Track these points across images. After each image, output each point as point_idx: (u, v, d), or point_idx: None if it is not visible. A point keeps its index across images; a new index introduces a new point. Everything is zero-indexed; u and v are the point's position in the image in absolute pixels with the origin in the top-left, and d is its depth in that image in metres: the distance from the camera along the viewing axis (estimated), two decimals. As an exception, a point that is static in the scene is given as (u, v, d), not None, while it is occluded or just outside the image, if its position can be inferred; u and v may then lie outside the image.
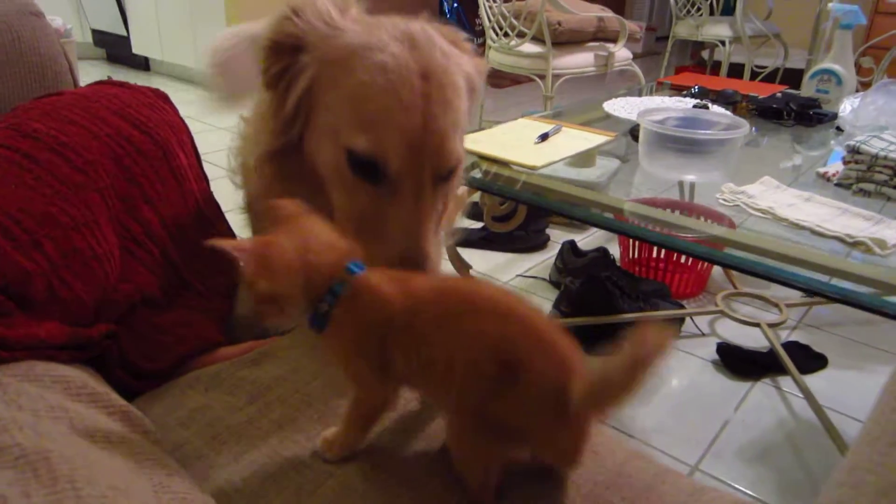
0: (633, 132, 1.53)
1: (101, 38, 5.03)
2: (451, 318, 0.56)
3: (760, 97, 1.79)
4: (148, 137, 0.95)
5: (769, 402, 1.56)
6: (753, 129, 1.69)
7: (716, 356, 1.71)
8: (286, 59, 0.71)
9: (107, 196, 0.85)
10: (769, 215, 1.13)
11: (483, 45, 2.95)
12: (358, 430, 0.63)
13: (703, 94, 1.85)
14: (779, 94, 1.81)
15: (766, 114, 1.70)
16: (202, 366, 0.80)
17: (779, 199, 1.18)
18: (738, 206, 1.18)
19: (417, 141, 0.66)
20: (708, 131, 1.30)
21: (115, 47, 4.93)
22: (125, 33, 4.74)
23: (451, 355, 0.54)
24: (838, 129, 1.69)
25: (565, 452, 0.58)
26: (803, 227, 1.08)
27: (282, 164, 0.78)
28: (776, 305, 1.81)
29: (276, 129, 0.75)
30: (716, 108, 1.67)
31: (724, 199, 1.21)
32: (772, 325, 1.69)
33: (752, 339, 1.76)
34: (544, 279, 2.08)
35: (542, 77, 2.64)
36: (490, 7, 2.76)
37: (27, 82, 1.11)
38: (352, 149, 0.67)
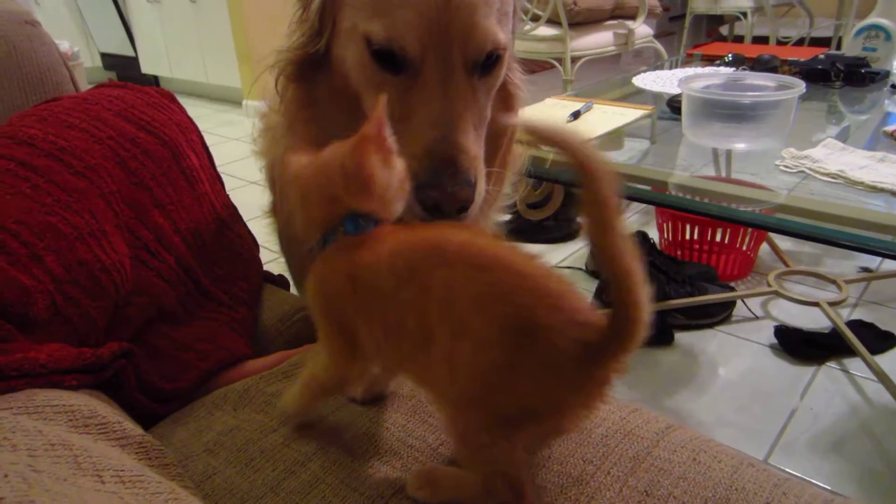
0: (672, 103, 1.43)
1: (110, 61, 5.03)
2: (418, 273, 0.45)
3: (802, 60, 1.67)
4: (155, 138, 0.88)
5: (838, 388, 1.44)
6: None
7: (773, 340, 1.59)
8: None
9: (113, 202, 0.78)
10: (841, 179, 1.02)
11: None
12: (308, 398, 0.56)
13: (738, 61, 1.74)
14: (821, 56, 1.69)
15: (812, 76, 1.58)
16: (228, 382, 0.73)
17: (849, 161, 1.07)
18: (802, 171, 1.08)
19: (439, 19, 0.57)
20: (760, 93, 1.19)
21: (124, 69, 4.92)
22: (133, 54, 4.73)
23: (426, 320, 0.44)
24: (893, 86, 1.57)
25: (579, 421, 0.46)
26: (882, 190, 0.96)
27: (307, 87, 0.70)
28: (833, 282, 1.69)
29: (301, 42, 0.67)
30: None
31: (786, 166, 1.10)
32: (832, 304, 1.57)
33: (810, 320, 1.64)
34: (580, 269, 1.98)
35: (560, 61, 2.54)
36: (501, -7, 2.66)
37: (26, 93, 1.05)
38: (369, 37, 0.60)
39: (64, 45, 3.36)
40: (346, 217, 0.49)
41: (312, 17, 0.66)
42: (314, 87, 0.69)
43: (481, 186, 0.61)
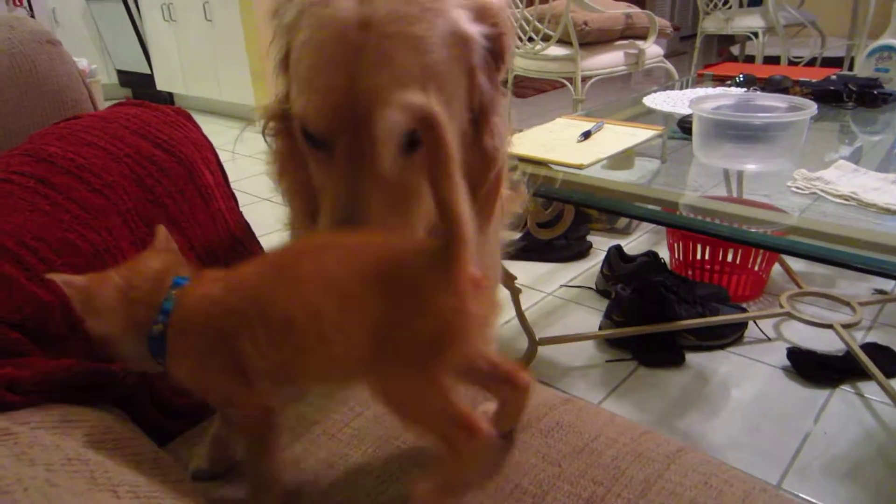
0: (683, 124, 1.43)
1: (126, 77, 5.11)
2: (285, 269, 0.51)
3: (814, 81, 1.68)
4: (171, 156, 0.89)
5: (853, 412, 1.43)
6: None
7: (786, 362, 1.58)
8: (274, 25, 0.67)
9: (129, 219, 0.79)
10: (853, 201, 1.02)
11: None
12: (261, 457, 0.55)
13: (749, 82, 1.74)
14: (833, 77, 1.69)
15: (824, 97, 1.58)
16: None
17: (862, 182, 1.07)
18: (814, 192, 1.07)
19: (345, 103, 0.57)
20: (771, 114, 1.19)
21: (139, 86, 5.00)
22: (149, 71, 4.80)
23: (306, 309, 0.48)
24: (905, 108, 1.57)
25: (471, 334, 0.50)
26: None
27: (293, 141, 0.71)
28: (847, 304, 1.67)
29: (279, 98, 0.70)
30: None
31: (798, 187, 1.10)
32: (846, 326, 1.56)
33: (823, 342, 1.62)
34: (590, 288, 1.97)
35: (570, 80, 2.55)
36: (513, 13, 2.69)
37: (46, 111, 1.07)
38: (294, 113, 0.62)
39: (82, 63, 3.43)
40: (171, 287, 0.53)
41: (281, 79, 0.68)
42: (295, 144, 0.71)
43: None
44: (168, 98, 4.87)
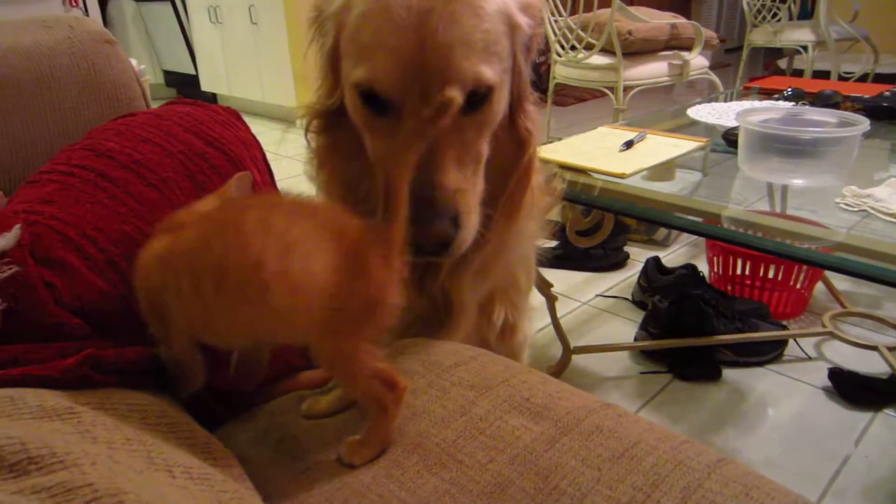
0: (728, 136, 1.42)
1: (172, 78, 5.24)
2: (227, 222, 0.55)
3: (866, 97, 1.64)
4: (221, 154, 0.91)
5: (895, 437, 1.39)
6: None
7: (827, 382, 1.54)
8: (315, 26, 0.72)
9: (181, 213, 0.81)
10: (905, 219, 1.00)
11: (545, 63, 2.88)
12: None
13: (798, 96, 1.71)
14: (887, 93, 1.66)
15: (876, 114, 1.54)
16: (284, 392, 0.75)
17: (914, 200, 1.05)
18: (864, 210, 1.05)
19: (415, 61, 0.60)
20: (821, 129, 1.17)
21: (185, 86, 5.12)
22: (194, 72, 4.92)
23: (250, 256, 0.50)
24: (960, 126, 1.53)
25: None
26: (948, 231, 0.94)
27: (333, 137, 0.76)
28: (893, 326, 1.63)
29: (322, 96, 0.74)
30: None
31: (847, 204, 1.08)
32: (891, 349, 1.51)
33: (866, 364, 1.58)
34: (626, 299, 1.96)
35: (612, 89, 2.54)
36: (556, 21, 2.69)
37: (102, 108, 1.11)
38: (357, 82, 0.64)
39: (132, 63, 3.52)
40: None
41: (326, 72, 0.72)
42: (339, 137, 0.75)
43: (468, 220, 0.64)
44: (212, 98, 4.98)
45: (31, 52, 1.02)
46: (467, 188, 0.65)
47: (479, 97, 0.64)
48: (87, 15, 4.08)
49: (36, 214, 0.69)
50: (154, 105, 1.10)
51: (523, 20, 0.68)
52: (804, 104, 1.66)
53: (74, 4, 4.12)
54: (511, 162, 0.73)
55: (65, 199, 0.73)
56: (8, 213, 0.69)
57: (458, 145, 0.64)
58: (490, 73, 0.64)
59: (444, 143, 0.62)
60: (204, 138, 0.91)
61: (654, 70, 2.55)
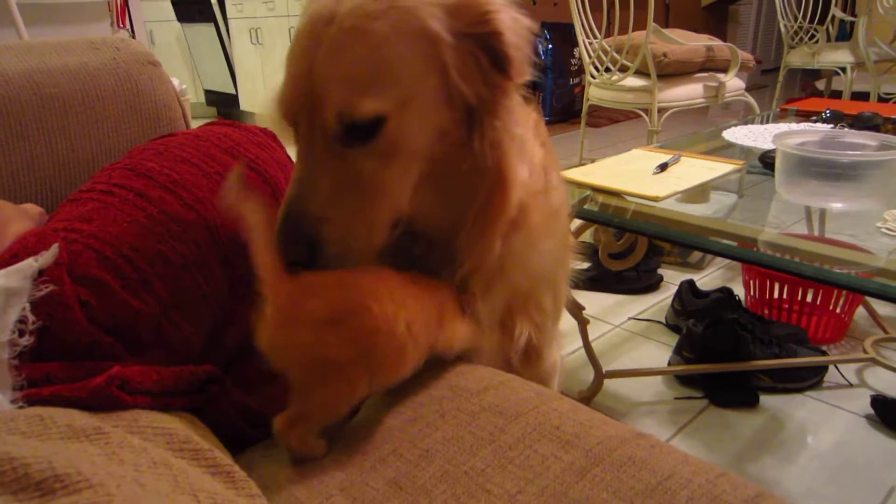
0: (765, 159, 1.39)
1: (212, 97, 5.37)
2: None
3: (908, 118, 1.60)
4: (257, 175, 0.92)
5: (943, 468, 1.33)
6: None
7: (869, 410, 1.49)
8: None
9: (216, 234, 0.82)
10: (950, 245, 0.96)
11: (580, 84, 2.87)
12: None
13: (836, 118, 1.68)
14: (930, 115, 1.61)
15: (919, 135, 1.50)
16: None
17: (960, 226, 1.01)
18: (907, 235, 1.02)
19: (304, 89, 0.62)
20: (861, 153, 1.14)
21: (224, 105, 5.24)
22: (234, 92, 5.03)
23: None
24: None
25: None
26: None
27: None
28: (939, 353, 1.57)
29: None
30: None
31: (889, 228, 1.05)
32: (937, 376, 1.46)
33: (910, 392, 1.53)
34: (660, 322, 1.92)
35: (647, 111, 2.52)
36: (591, 43, 2.68)
37: (144, 128, 1.14)
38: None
39: (174, 82, 3.62)
40: None
41: None
42: None
43: (331, 248, 0.65)
44: (251, 118, 5.09)
45: (78, 73, 1.05)
46: (340, 218, 0.65)
47: (366, 127, 0.62)
48: (134, 36, 4.22)
49: (75, 233, 0.71)
50: (194, 124, 1.12)
51: (445, 28, 0.62)
52: (843, 126, 1.62)
53: (122, 26, 4.26)
54: (470, 185, 0.70)
55: (103, 218, 0.74)
56: (48, 231, 0.71)
57: (340, 175, 0.64)
58: (372, 103, 0.61)
59: (317, 170, 0.64)
60: (240, 159, 0.92)
61: (689, 92, 2.53)
